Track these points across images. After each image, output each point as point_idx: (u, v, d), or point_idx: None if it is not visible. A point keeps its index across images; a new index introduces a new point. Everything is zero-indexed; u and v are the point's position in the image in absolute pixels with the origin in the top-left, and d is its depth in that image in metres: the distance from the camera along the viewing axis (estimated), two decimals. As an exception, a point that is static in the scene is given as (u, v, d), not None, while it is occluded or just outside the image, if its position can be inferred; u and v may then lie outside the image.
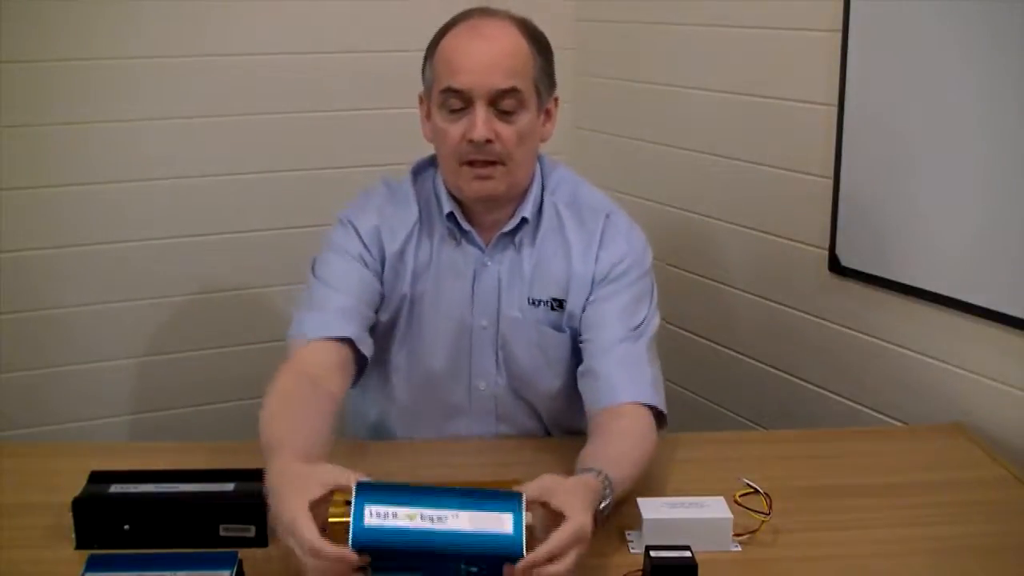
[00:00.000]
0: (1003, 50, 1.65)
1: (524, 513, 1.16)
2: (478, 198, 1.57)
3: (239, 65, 2.36)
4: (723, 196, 2.29)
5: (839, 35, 1.92)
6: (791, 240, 2.12)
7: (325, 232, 1.66)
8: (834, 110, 1.95)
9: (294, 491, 1.15)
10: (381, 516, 1.14)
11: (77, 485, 1.36)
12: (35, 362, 2.32)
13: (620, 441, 1.44)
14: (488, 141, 1.50)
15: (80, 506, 1.32)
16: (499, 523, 1.15)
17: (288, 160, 2.45)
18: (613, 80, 2.50)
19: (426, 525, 1.14)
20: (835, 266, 2.00)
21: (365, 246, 1.60)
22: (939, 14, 1.74)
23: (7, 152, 2.21)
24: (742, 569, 1.31)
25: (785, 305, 2.17)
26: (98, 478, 1.37)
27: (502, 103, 1.51)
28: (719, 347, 2.36)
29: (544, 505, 1.19)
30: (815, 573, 1.32)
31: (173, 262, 2.39)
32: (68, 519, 1.32)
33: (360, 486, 1.15)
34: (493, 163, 1.53)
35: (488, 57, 1.50)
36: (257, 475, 1.33)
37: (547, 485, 1.20)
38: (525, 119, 1.53)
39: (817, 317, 2.09)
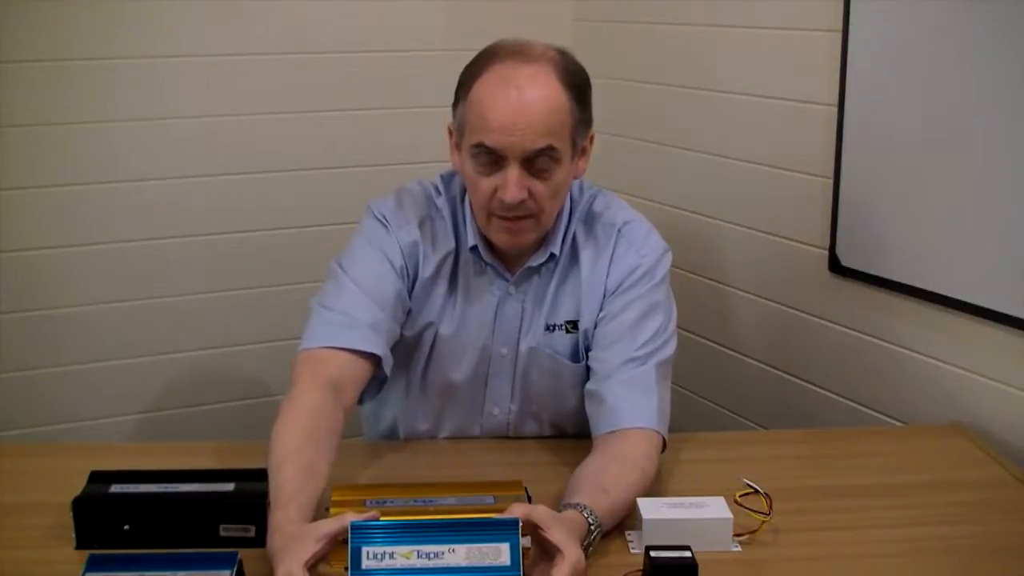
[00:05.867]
0: (1003, 50, 1.65)
1: (520, 539, 1.17)
2: (508, 248, 1.57)
3: (240, 65, 2.36)
4: (723, 196, 2.29)
5: (839, 35, 1.92)
6: (791, 240, 2.12)
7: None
8: (834, 110, 1.95)
9: (290, 553, 1.15)
10: (378, 558, 1.15)
11: (77, 485, 1.36)
12: (36, 362, 2.32)
13: (617, 465, 1.41)
14: (520, 201, 1.47)
15: (80, 506, 1.32)
16: (496, 555, 1.16)
17: (290, 160, 2.45)
18: (612, 80, 2.50)
19: (423, 563, 1.15)
20: (835, 266, 2.00)
21: (404, 259, 1.56)
22: (939, 14, 1.74)
23: (9, 152, 2.21)
24: (742, 569, 1.31)
25: (785, 305, 2.17)
26: (98, 478, 1.37)
27: (536, 162, 1.46)
28: (719, 347, 2.36)
29: (536, 529, 1.20)
30: (815, 573, 1.32)
31: (174, 262, 2.39)
32: (68, 519, 1.32)
33: (355, 528, 1.16)
34: (524, 217, 1.50)
35: (523, 118, 1.43)
36: (257, 475, 1.33)
37: (541, 516, 1.20)
38: (559, 174, 1.49)
39: (817, 317, 2.09)
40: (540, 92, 1.45)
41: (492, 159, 1.46)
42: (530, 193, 1.47)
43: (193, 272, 2.42)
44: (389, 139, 2.51)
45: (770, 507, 1.36)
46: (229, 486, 1.35)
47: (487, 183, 1.48)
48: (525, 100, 1.44)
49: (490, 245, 1.59)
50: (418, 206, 1.61)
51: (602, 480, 1.37)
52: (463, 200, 1.60)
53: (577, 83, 1.49)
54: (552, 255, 1.59)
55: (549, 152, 1.46)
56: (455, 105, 1.53)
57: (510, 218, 1.50)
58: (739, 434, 2.18)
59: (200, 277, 2.43)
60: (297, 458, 1.31)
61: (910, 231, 1.84)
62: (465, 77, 1.51)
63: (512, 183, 1.45)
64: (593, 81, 1.55)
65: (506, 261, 1.60)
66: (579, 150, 1.53)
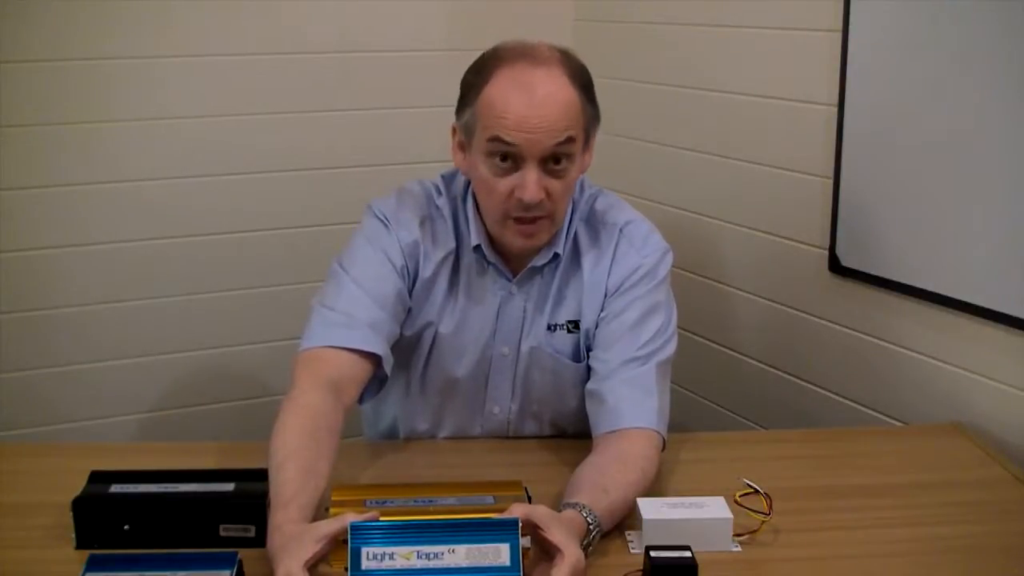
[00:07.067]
0: (1003, 50, 1.65)
1: (520, 539, 1.17)
2: (521, 250, 1.57)
3: (241, 65, 2.36)
4: (723, 196, 2.29)
5: (839, 35, 1.92)
6: (791, 240, 2.12)
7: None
8: (834, 110, 1.95)
9: (290, 554, 1.15)
10: (378, 559, 1.15)
11: (77, 485, 1.36)
12: (36, 362, 2.32)
13: (617, 466, 1.41)
14: (539, 201, 1.47)
15: (80, 506, 1.32)
16: (496, 555, 1.16)
17: (290, 160, 2.45)
18: (612, 80, 2.50)
19: (423, 564, 1.15)
20: (835, 266, 2.00)
21: (405, 259, 1.56)
22: (939, 14, 1.74)
23: (7, 152, 2.21)
24: (742, 569, 1.31)
25: (785, 305, 2.17)
26: (98, 478, 1.37)
27: (553, 160, 1.46)
28: (719, 347, 2.36)
29: (536, 529, 1.20)
30: (815, 573, 1.32)
31: (174, 262, 2.39)
32: (68, 519, 1.32)
33: (355, 528, 1.16)
34: (540, 217, 1.50)
35: (541, 119, 1.43)
36: (257, 475, 1.33)
37: (541, 516, 1.20)
38: (573, 171, 1.50)
39: (817, 317, 2.09)
40: (554, 92, 1.45)
41: (508, 159, 1.46)
42: (547, 192, 1.48)
43: (193, 272, 2.42)
44: (389, 139, 2.51)
45: (770, 507, 1.36)
46: (229, 486, 1.35)
47: (503, 185, 1.48)
48: (539, 99, 1.44)
49: (494, 245, 1.59)
50: (418, 206, 1.61)
51: (602, 480, 1.37)
52: (464, 199, 1.60)
53: (585, 82, 1.51)
54: (556, 255, 1.59)
55: (567, 147, 1.46)
56: (460, 109, 1.53)
57: (527, 219, 1.50)
58: (739, 434, 2.18)
59: (200, 277, 2.43)
60: (297, 458, 1.31)
61: (910, 231, 1.84)
62: (472, 81, 1.51)
63: (531, 183, 1.45)
64: (593, 81, 1.55)
65: (509, 261, 1.60)
66: (589, 147, 1.54)
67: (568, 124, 1.46)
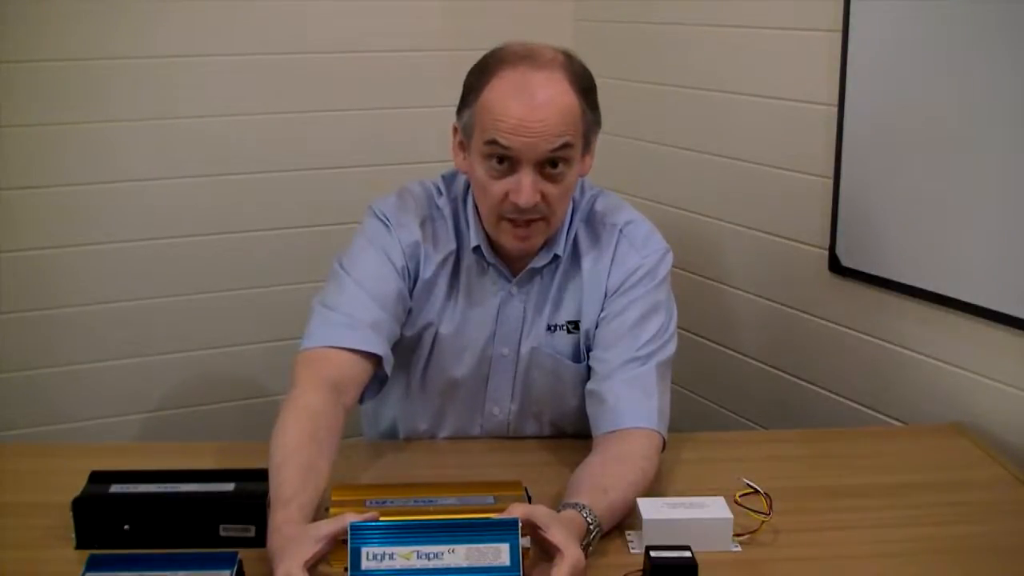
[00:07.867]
0: (1003, 49, 1.65)
1: (520, 539, 1.17)
2: (516, 252, 1.57)
3: (240, 65, 2.36)
4: (723, 196, 2.29)
5: (839, 35, 1.92)
6: (791, 240, 2.12)
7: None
8: (834, 110, 1.95)
9: (290, 554, 1.16)
10: (378, 559, 1.15)
11: (77, 485, 1.36)
12: (36, 362, 2.32)
13: (617, 466, 1.41)
14: (534, 204, 1.47)
15: (80, 506, 1.32)
16: (496, 555, 1.16)
17: (290, 160, 2.45)
18: (612, 80, 2.50)
19: (423, 564, 1.15)
20: (835, 266, 2.00)
21: (406, 259, 1.56)
22: (939, 14, 1.74)
23: (7, 152, 2.21)
24: (742, 569, 1.31)
25: (785, 305, 2.17)
26: (98, 478, 1.37)
27: (550, 165, 1.46)
28: (719, 347, 2.36)
29: (535, 529, 1.20)
30: (815, 573, 1.32)
31: (173, 262, 2.39)
32: (68, 519, 1.32)
33: (354, 529, 1.16)
34: (535, 220, 1.50)
35: (539, 123, 1.43)
36: (257, 475, 1.33)
37: (541, 516, 1.20)
38: (570, 175, 1.50)
39: (817, 317, 2.09)
40: (554, 97, 1.45)
41: (505, 162, 1.46)
42: (542, 196, 1.47)
43: (193, 272, 2.42)
44: (389, 139, 2.51)
45: (770, 507, 1.36)
46: (229, 486, 1.35)
47: (499, 186, 1.48)
48: (539, 104, 1.44)
49: (493, 246, 1.59)
50: (419, 206, 1.61)
51: (602, 480, 1.37)
52: (465, 200, 1.60)
53: (587, 87, 1.50)
54: (556, 256, 1.59)
55: (564, 152, 1.46)
56: (461, 110, 1.53)
57: (521, 222, 1.50)
58: (739, 434, 2.18)
59: (200, 277, 2.43)
60: (297, 458, 1.31)
61: (910, 231, 1.84)
62: (473, 82, 1.50)
63: (526, 187, 1.45)
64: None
65: (509, 262, 1.60)
66: (589, 151, 1.54)
67: (565, 130, 1.45)
